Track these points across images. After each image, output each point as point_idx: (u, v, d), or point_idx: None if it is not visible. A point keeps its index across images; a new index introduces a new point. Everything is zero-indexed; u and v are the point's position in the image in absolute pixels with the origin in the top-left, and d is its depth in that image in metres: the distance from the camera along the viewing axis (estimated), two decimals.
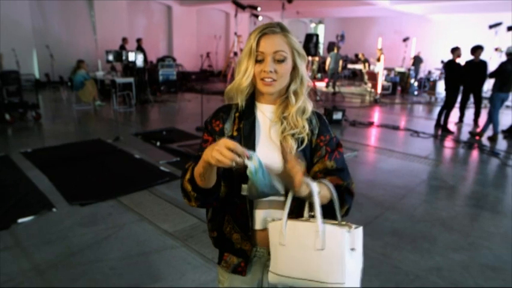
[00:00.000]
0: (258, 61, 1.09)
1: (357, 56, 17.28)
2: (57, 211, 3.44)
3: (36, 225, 3.19)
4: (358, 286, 1.00)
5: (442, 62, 10.57)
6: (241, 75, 1.11)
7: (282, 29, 1.10)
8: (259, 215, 1.16)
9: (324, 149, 1.16)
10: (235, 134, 1.14)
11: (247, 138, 1.13)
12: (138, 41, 11.83)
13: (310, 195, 1.00)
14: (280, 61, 1.09)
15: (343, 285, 0.96)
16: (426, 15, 15.80)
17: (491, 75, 6.99)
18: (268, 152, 1.12)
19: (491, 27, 10.32)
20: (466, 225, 3.46)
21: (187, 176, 1.10)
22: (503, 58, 7.28)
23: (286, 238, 1.03)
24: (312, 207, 1.06)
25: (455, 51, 7.20)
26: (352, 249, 0.99)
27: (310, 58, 11.32)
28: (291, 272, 1.02)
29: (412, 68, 13.22)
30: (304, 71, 1.15)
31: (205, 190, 1.08)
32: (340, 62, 13.04)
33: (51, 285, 2.42)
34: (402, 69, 13.52)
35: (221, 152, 0.92)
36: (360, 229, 1.02)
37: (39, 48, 11.29)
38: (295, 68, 1.13)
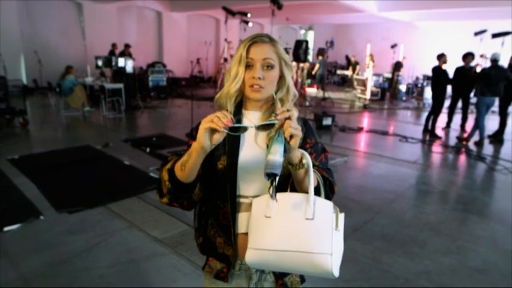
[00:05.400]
0: (247, 67, 1.14)
1: (347, 57, 17.34)
2: (44, 219, 3.39)
3: (23, 233, 3.14)
4: (338, 267, 0.99)
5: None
6: (231, 81, 1.15)
7: (270, 40, 1.16)
8: (243, 218, 1.16)
9: (309, 150, 1.17)
10: None
11: (231, 141, 1.16)
12: (126, 46, 11.41)
13: (301, 165, 1.01)
14: (269, 68, 1.14)
15: (331, 255, 0.95)
16: (413, 22, 16.06)
17: (474, 79, 7.13)
18: (253, 154, 1.14)
19: (476, 34, 10.52)
20: (455, 229, 3.51)
21: (168, 166, 1.13)
22: (488, 64, 7.43)
23: (273, 210, 1.02)
24: (293, 190, 1.08)
25: (442, 57, 7.33)
26: (336, 228, 1.01)
27: (301, 64, 11.39)
28: (275, 245, 0.98)
29: (401, 74, 13.39)
30: (290, 81, 1.20)
31: (181, 184, 1.09)
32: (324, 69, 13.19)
33: None
34: (390, 75, 13.68)
35: (224, 115, 0.97)
36: (343, 214, 1.04)
37: (27, 54, 11.14)
38: (282, 77, 1.18)
